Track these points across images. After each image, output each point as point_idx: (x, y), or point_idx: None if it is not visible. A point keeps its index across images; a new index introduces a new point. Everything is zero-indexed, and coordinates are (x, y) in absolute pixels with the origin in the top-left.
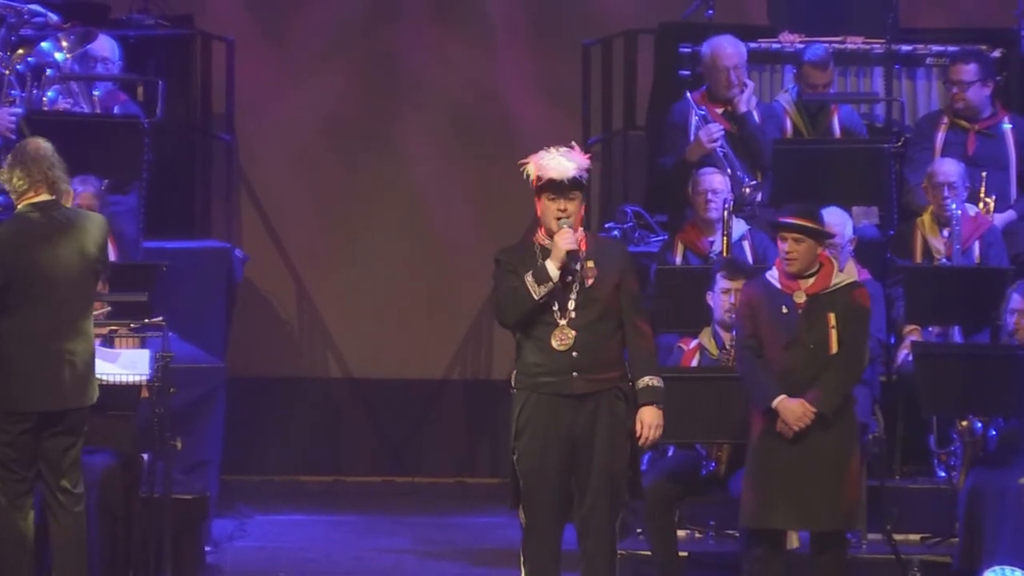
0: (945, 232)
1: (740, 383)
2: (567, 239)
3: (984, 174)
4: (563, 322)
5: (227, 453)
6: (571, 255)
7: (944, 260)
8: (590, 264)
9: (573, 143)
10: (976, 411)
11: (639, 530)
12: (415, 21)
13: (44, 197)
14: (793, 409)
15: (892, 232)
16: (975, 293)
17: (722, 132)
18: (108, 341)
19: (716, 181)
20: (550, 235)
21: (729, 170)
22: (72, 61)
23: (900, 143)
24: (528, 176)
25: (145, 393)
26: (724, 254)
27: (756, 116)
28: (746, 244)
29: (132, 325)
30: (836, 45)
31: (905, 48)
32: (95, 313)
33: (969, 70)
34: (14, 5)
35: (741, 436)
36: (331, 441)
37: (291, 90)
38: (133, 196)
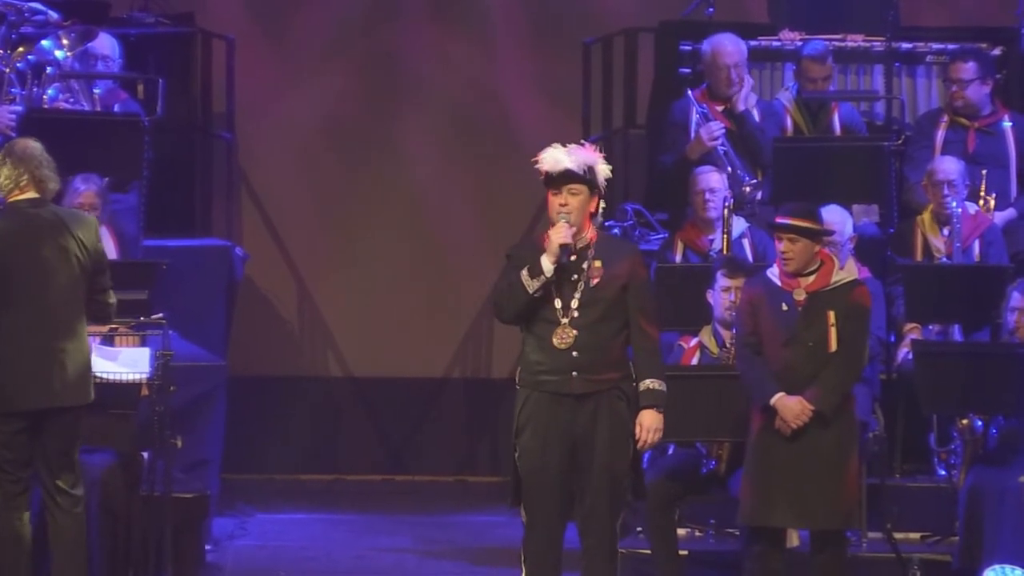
0: (945, 230)
1: (740, 381)
2: (560, 233)
3: (984, 172)
4: (565, 321)
5: (227, 452)
6: (564, 249)
7: (944, 259)
8: (597, 264)
9: (583, 142)
10: (976, 409)
11: (639, 529)
12: (415, 20)
13: (31, 195)
14: (791, 407)
15: (892, 230)
16: (975, 291)
17: (723, 130)
18: (108, 339)
19: (713, 180)
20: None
21: (729, 168)
22: (72, 59)
23: (900, 141)
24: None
25: (145, 391)
26: (724, 252)
27: (756, 114)
28: (746, 242)
29: (132, 323)
30: (836, 43)
31: (905, 46)
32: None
33: (968, 68)
34: (15, 3)
35: (741, 434)
36: (331, 440)
37: (291, 89)
38: (133, 194)
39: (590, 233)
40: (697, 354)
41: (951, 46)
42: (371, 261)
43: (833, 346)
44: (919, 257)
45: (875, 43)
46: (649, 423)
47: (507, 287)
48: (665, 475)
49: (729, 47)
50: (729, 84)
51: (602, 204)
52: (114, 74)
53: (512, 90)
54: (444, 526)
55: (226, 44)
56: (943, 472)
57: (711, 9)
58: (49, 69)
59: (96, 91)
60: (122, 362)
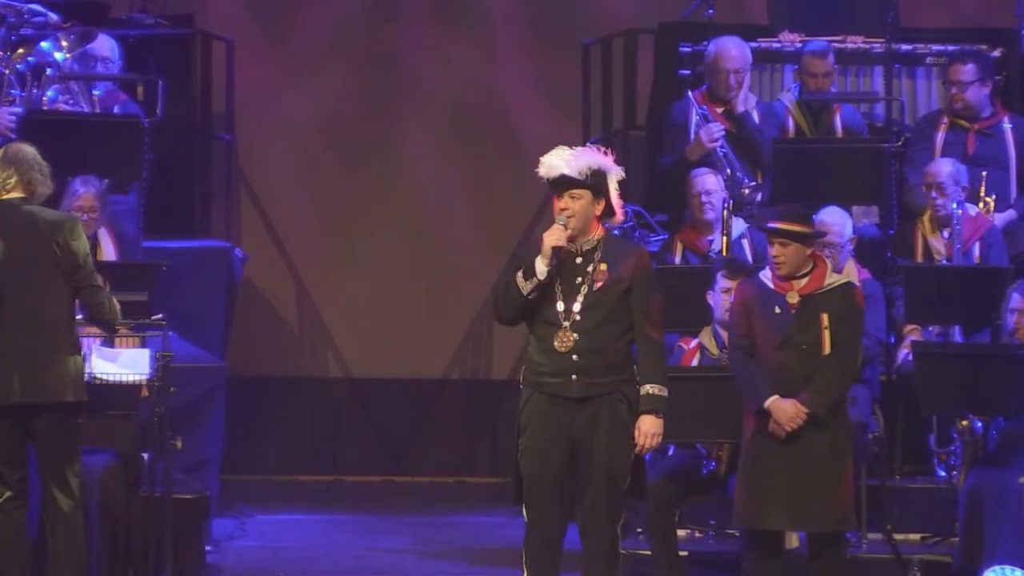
0: (946, 232)
1: (733, 383)
2: (553, 235)
3: (984, 174)
4: (566, 324)
5: (227, 452)
6: (556, 251)
7: (944, 260)
8: (602, 267)
9: (589, 144)
10: (976, 411)
11: (639, 530)
12: (415, 21)
13: (15, 195)
14: (785, 410)
15: (892, 232)
16: (975, 293)
17: (722, 132)
18: (108, 340)
19: (709, 182)
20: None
21: (729, 170)
22: (72, 61)
23: (900, 143)
24: None
25: (145, 392)
26: (724, 253)
27: (755, 116)
28: (745, 243)
29: (132, 324)
30: (836, 44)
31: (905, 47)
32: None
33: (967, 70)
34: (14, 4)
35: (741, 436)
36: (331, 440)
37: (291, 90)
38: (133, 196)
39: (597, 235)
40: (697, 355)
41: (951, 47)
42: (371, 262)
43: (827, 349)
44: (919, 259)
45: (875, 44)
46: (647, 428)
47: (503, 288)
48: (665, 476)
49: (733, 51)
50: (728, 89)
51: (620, 205)
52: (114, 75)
53: (512, 91)
54: (444, 527)
55: (226, 45)
56: (943, 473)
57: (711, 11)
58: (49, 71)
59: (95, 92)
60: (122, 363)
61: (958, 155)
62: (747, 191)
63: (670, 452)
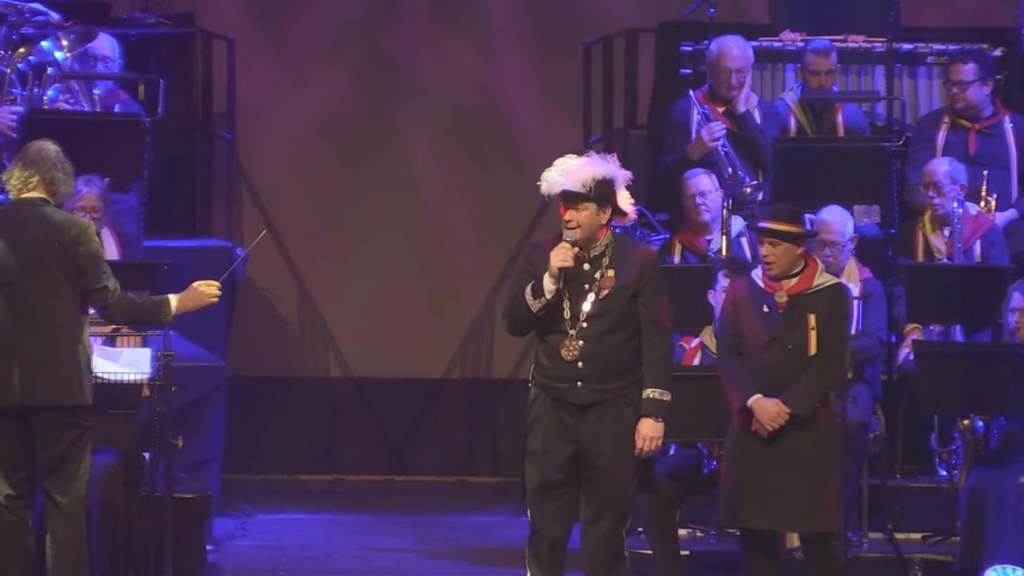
0: (946, 231)
1: (719, 381)
2: (560, 256)
3: (985, 173)
4: (572, 332)
5: (228, 452)
6: (564, 271)
7: (945, 259)
8: (610, 273)
9: (594, 152)
10: (977, 410)
11: (640, 529)
12: (415, 21)
13: (34, 194)
14: (768, 409)
15: (893, 231)
16: (976, 292)
17: (724, 131)
18: (110, 340)
19: (703, 183)
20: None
21: (730, 169)
22: (72, 60)
23: (901, 142)
24: None
25: (146, 392)
26: (724, 253)
27: (757, 115)
28: (744, 241)
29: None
30: (837, 44)
31: (906, 47)
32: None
33: (968, 70)
34: (15, 4)
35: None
36: (331, 440)
37: (292, 89)
38: (134, 195)
39: (605, 240)
40: (698, 354)
41: (952, 47)
42: (371, 261)
43: (812, 349)
44: (920, 258)
45: (876, 44)
46: (646, 432)
47: (512, 302)
48: (666, 475)
49: (735, 51)
50: (730, 88)
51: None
52: (115, 75)
53: (512, 91)
54: (444, 526)
55: (226, 44)
56: (944, 472)
57: (712, 10)
58: (50, 70)
59: (96, 92)
60: (123, 363)
61: (959, 154)
62: (748, 190)
63: (671, 451)
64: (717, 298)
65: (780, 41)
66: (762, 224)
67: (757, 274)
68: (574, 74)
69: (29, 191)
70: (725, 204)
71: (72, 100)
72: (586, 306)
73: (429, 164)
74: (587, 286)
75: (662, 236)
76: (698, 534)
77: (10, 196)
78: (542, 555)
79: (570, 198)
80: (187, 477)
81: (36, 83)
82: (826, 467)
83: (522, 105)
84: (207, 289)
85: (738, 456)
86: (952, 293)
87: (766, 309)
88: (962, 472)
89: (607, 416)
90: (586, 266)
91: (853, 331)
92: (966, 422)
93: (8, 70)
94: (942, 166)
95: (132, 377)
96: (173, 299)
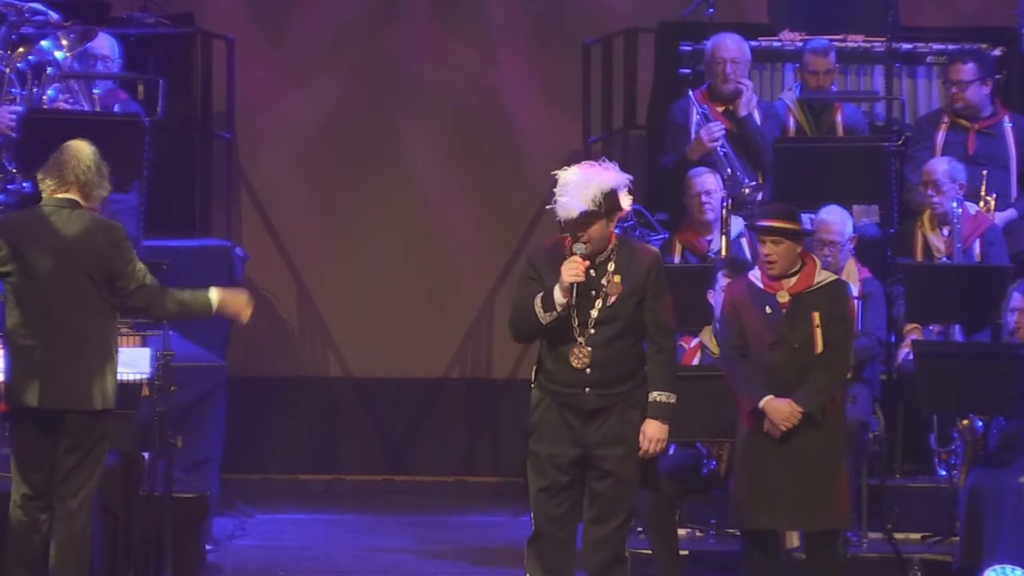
0: (945, 231)
1: (726, 383)
2: (571, 271)
3: (985, 173)
4: (581, 340)
5: (227, 452)
6: (575, 285)
7: (944, 259)
8: (616, 279)
9: (604, 159)
10: (977, 410)
11: (640, 529)
12: (415, 21)
13: (67, 196)
14: (780, 409)
15: (892, 231)
16: (976, 292)
17: (723, 131)
18: None
19: (709, 182)
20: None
21: (729, 170)
22: (72, 59)
23: (900, 142)
24: None
25: (146, 391)
26: (723, 253)
27: (757, 118)
28: (744, 242)
29: (132, 323)
30: (837, 43)
31: (905, 46)
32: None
33: (967, 70)
34: (15, 3)
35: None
36: (331, 440)
37: (291, 89)
38: (133, 194)
39: (611, 245)
40: (698, 354)
41: (951, 47)
42: (371, 261)
43: (819, 347)
44: (919, 257)
45: (875, 44)
46: (652, 433)
47: (521, 309)
48: (666, 475)
49: (729, 43)
50: (724, 79)
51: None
52: (115, 74)
53: (512, 91)
54: (444, 526)
55: (226, 44)
56: (943, 472)
57: (711, 10)
58: (50, 69)
59: (95, 91)
60: (122, 362)
61: (958, 154)
62: (747, 191)
63: (670, 451)
64: (717, 298)
65: (779, 41)
66: (764, 223)
67: (755, 275)
68: (573, 74)
69: (63, 192)
70: (724, 204)
71: (71, 100)
72: (594, 313)
73: (429, 164)
74: (594, 292)
75: (661, 236)
76: (697, 534)
77: (43, 195)
78: (547, 557)
79: (587, 217)
80: (186, 477)
81: (36, 83)
82: (837, 463)
83: (522, 105)
84: (245, 302)
85: (750, 458)
86: (951, 293)
87: (768, 310)
88: (961, 472)
89: (613, 419)
90: (592, 272)
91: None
92: (965, 422)
93: (8, 70)
94: (941, 165)
95: (131, 376)
96: (215, 299)
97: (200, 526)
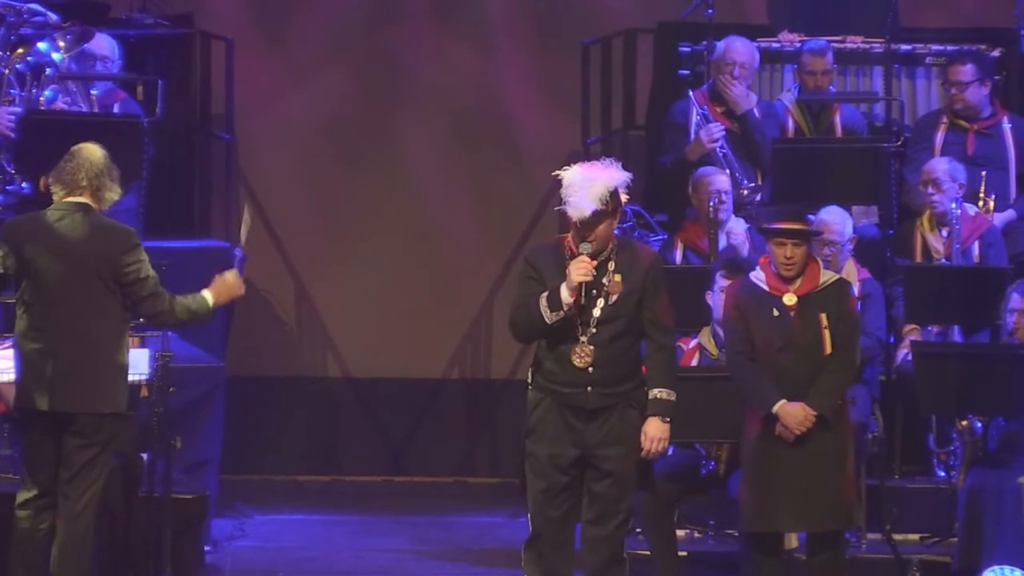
0: (944, 231)
1: (734, 387)
2: (580, 270)
3: (984, 174)
4: (584, 339)
5: (226, 452)
6: (584, 285)
7: (943, 260)
8: (617, 278)
9: (605, 158)
10: (975, 411)
11: (638, 529)
12: (414, 21)
13: (78, 199)
14: (795, 414)
15: (892, 231)
16: (975, 292)
17: (723, 132)
18: None
19: (723, 182)
20: (576, 245)
21: (728, 170)
22: (69, 60)
23: (899, 142)
24: None
25: (145, 392)
26: (713, 254)
27: (756, 114)
28: (744, 243)
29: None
30: (836, 44)
31: (904, 47)
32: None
33: (966, 71)
34: (14, 4)
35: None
36: (330, 441)
37: (290, 90)
38: (132, 195)
39: (611, 244)
40: (696, 355)
41: (950, 47)
42: (370, 262)
43: (828, 348)
44: (918, 258)
45: (874, 44)
46: (653, 432)
47: (524, 311)
48: (664, 476)
49: (740, 46)
50: (731, 79)
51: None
52: (114, 75)
53: (511, 91)
54: (443, 527)
55: (225, 45)
56: (942, 473)
57: (710, 10)
58: (48, 70)
59: (94, 92)
60: None
61: (957, 155)
62: (746, 192)
63: (669, 452)
64: (715, 299)
65: (778, 42)
66: (785, 226)
67: (758, 277)
68: (573, 74)
69: (74, 196)
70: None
71: (70, 101)
72: (596, 312)
73: (427, 164)
74: (595, 291)
75: (660, 237)
76: (696, 534)
77: (54, 199)
78: (546, 558)
79: (593, 215)
80: (185, 478)
81: (34, 84)
82: (846, 462)
83: (521, 105)
84: (235, 281)
85: (762, 461)
86: (950, 294)
87: (776, 313)
88: (960, 473)
89: (614, 419)
90: (594, 271)
91: None
92: (964, 423)
93: (6, 71)
94: (941, 163)
95: (130, 377)
96: (209, 296)
97: (199, 527)
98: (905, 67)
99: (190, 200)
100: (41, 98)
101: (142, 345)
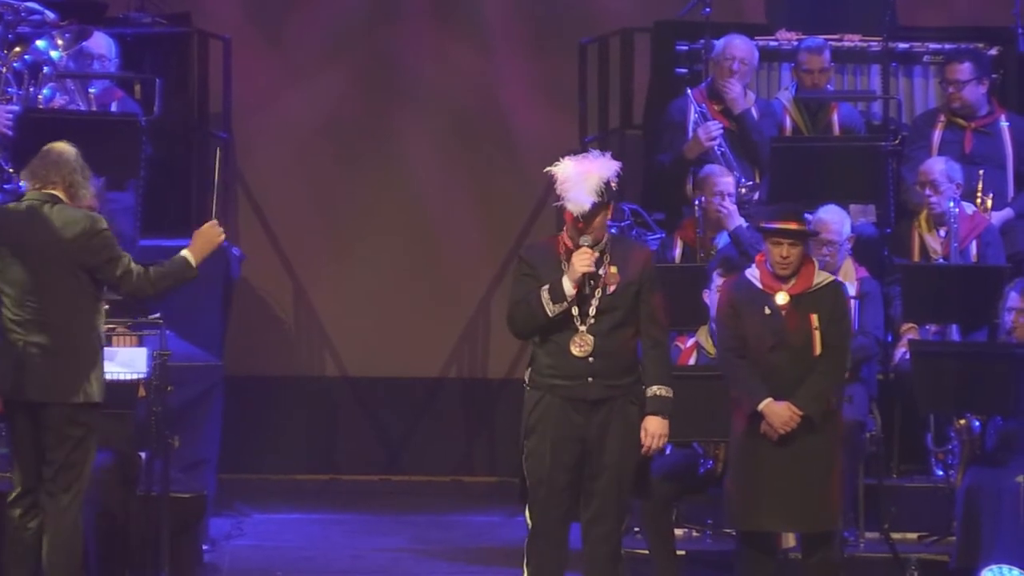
0: (941, 230)
1: (724, 384)
2: (584, 260)
3: (981, 172)
4: (583, 328)
5: (224, 451)
6: (587, 275)
7: (941, 259)
8: (613, 270)
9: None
10: (974, 409)
11: (636, 529)
12: (413, 21)
13: (50, 191)
14: (780, 413)
15: (889, 230)
16: (973, 291)
17: (721, 130)
18: (106, 339)
19: (728, 182)
20: (572, 242)
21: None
22: (67, 58)
23: (897, 141)
24: None
25: (142, 391)
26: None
27: (754, 113)
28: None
29: (129, 323)
30: (833, 43)
31: (902, 46)
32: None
33: (963, 69)
34: (11, 3)
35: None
36: (328, 440)
37: (288, 89)
38: (130, 194)
39: (604, 236)
40: (694, 354)
41: (948, 46)
42: (368, 261)
43: (818, 350)
44: (916, 257)
45: (872, 43)
46: (653, 429)
47: (524, 306)
48: (662, 475)
49: (739, 43)
50: (729, 75)
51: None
52: (111, 74)
53: (509, 90)
54: (441, 526)
55: (223, 44)
56: (940, 472)
57: (708, 9)
58: (46, 69)
59: (91, 90)
60: (119, 362)
61: (955, 154)
62: (743, 190)
63: (667, 451)
64: (712, 297)
65: (776, 40)
66: (783, 225)
67: (753, 275)
68: (570, 74)
69: (47, 189)
70: None
71: (68, 99)
72: (594, 301)
73: (426, 164)
74: (592, 282)
75: (658, 235)
76: (694, 534)
77: (27, 191)
78: (541, 557)
79: (593, 207)
80: (183, 477)
81: (32, 82)
82: (833, 465)
83: (519, 105)
84: (211, 230)
85: (747, 459)
86: (948, 293)
87: (768, 311)
88: (958, 472)
89: (614, 415)
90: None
91: None
92: (962, 422)
93: (4, 69)
94: (938, 164)
95: (128, 376)
96: (188, 255)
97: (197, 526)
98: (903, 65)
99: (187, 199)
100: (39, 96)
101: (140, 344)
